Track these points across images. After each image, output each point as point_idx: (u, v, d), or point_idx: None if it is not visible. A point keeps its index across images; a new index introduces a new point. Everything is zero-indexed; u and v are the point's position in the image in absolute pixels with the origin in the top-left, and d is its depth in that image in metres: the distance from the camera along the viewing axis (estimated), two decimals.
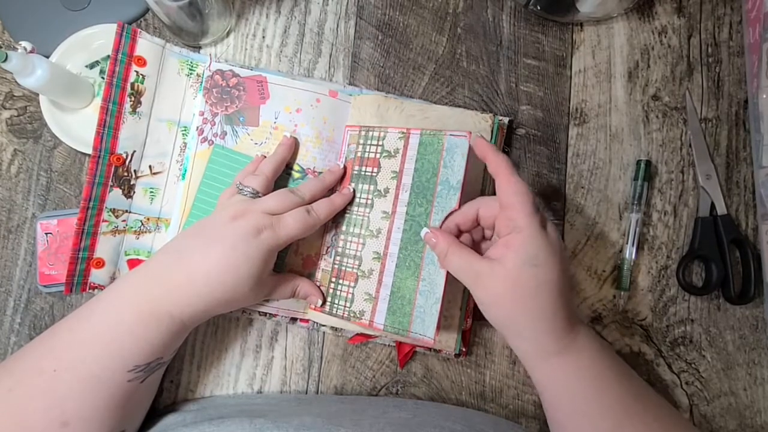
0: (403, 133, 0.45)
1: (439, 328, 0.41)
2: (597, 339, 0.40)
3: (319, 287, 0.46)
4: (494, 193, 0.40)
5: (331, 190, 0.47)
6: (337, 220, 0.47)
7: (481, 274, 0.37)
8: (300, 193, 0.43)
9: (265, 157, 0.46)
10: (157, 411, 0.45)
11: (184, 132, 0.49)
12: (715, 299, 0.49)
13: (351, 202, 0.46)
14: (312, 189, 0.44)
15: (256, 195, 0.42)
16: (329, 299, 0.46)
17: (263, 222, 0.39)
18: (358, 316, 0.44)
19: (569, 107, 0.51)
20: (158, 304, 0.38)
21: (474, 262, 0.37)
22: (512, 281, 0.36)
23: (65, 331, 0.38)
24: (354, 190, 0.46)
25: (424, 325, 0.41)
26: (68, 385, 0.36)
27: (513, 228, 0.37)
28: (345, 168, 0.47)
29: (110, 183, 0.46)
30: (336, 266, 0.46)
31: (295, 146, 0.47)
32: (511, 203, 0.37)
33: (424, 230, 0.41)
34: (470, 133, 0.42)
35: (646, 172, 0.49)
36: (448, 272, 0.41)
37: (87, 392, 0.36)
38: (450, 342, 0.45)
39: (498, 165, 0.38)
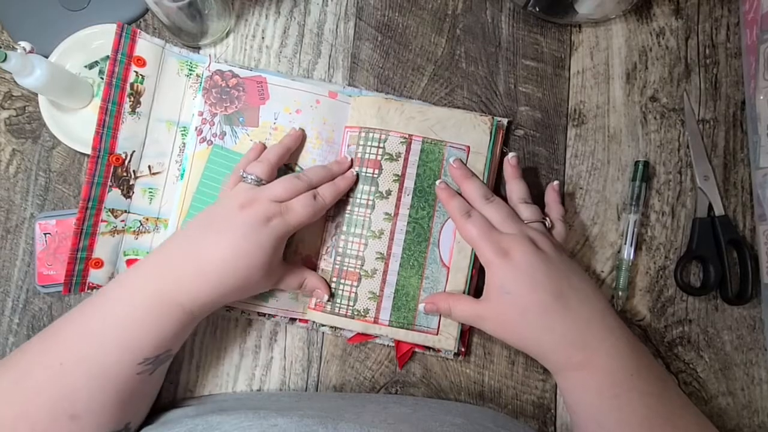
0: (405, 138, 0.46)
1: (440, 320, 0.45)
2: (625, 357, 0.39)
3: (326, 282, 0.46)
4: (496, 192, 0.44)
5: None
6: (337, 220, 0.47)
7: (481, 314, 0.41)
8: (305, 179, 0.43)
9: (264, 145, 0.47)
10: (155, 410, 0.45)
11: (183, 132, 0.49)
12: (712, 300, 0.49)
13: (352, 203, 0.46)
14: (318, 174, 0.44)
15: (260, 182, 0.42)
16: (330, 298, 0.46)
17: (272, 210, 0.40)
18: (363, 313, 0.45)
19: (568, 108, 0.51)
20: (169, 296, 0.38)
21: (472, 307, 0.42)
22: (498, 313, 0.40)
23: (69, 325, 0.38)
24: (357, 174, 0.46)
25: (428, 318, 0.45)
26: (77, 379, 0.35)
27: (484, 264, 0.41)
28: (352, 161, 0.47)
29: (109, 183, 0.46)
30: (337, 266, 0.46)
31: (302, 139, 0.47)
32: (471, 245, 0.43)
33: (421, 306, 0.45)
34: (469, 147, 0.45)
35: (644, 173, 0.49)
36: (449, 270, 0.44)
37: (96, 386, 0.36)
38: (449, 342, 0.45)
39: (450, 211, 0.44)
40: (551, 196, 0.47)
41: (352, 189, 0.47)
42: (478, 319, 0.42)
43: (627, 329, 0.41)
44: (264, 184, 0.42)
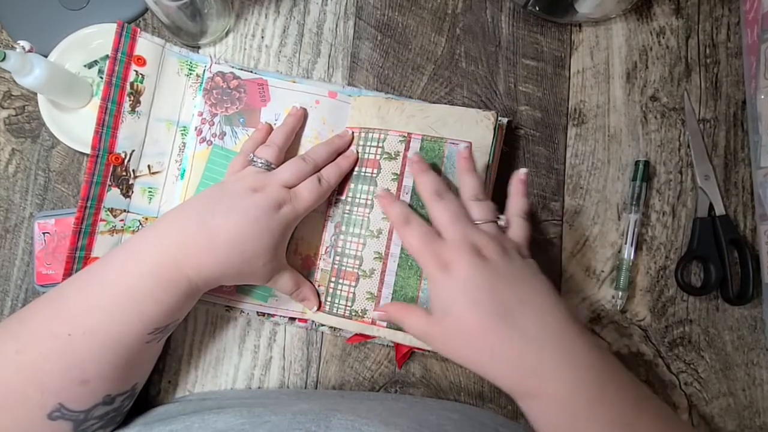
0: (404, 136, 0.46)
1: None
2: (583, 382, 0.34)
3: (318, 296, 0.46)
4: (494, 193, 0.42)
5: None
6: (336, 220, 0.47)
7: (428, 332, 0.38)
8: (311, 161, 0.44)
9: (271, 126, 0.47)
10: (153, 407, 0.45)
11: (183, 132, 0.49)
12: (713, 300, 0.49)
13: (351, 203, 0.46)
14: (322, 154, 0.45)
15: (269, 167, 0.43)
16: (329, 299, 0.46)
17: (283, 196, 0.41)
18: (360, 314, 0.45)
19: (568, 108, 0.51)
20: (177, 267, 0.37)
21: (422, 322, 0.38)
22: (441, 332, 0.37)
23: (75, 293, 0.37)
24: (357, 151, 0.47)
25: None
26: (87, 348, 0.35)
27: (426, 277, 0.39)
28: (353, 134, 0.47)
29: (108, 182, 0.45)
30: (336, 266, 0.46)
31: (304, 117, 0.48)
32: (413, 257, 0.41)
33: (375, 313, 0.43)
34: (471, 144, 0.44)
35: (645, 172, 0.49)
36: None
37: (107, 354, 0.36)
38: None
39: (391, 219, 0.42)
40: (515, 188, 0.43)
41: (351, 189, 0.46)
42: (425, 336, 0.38)
43: (592, 345, 0.35)
44: (273, 169, 0.43)
